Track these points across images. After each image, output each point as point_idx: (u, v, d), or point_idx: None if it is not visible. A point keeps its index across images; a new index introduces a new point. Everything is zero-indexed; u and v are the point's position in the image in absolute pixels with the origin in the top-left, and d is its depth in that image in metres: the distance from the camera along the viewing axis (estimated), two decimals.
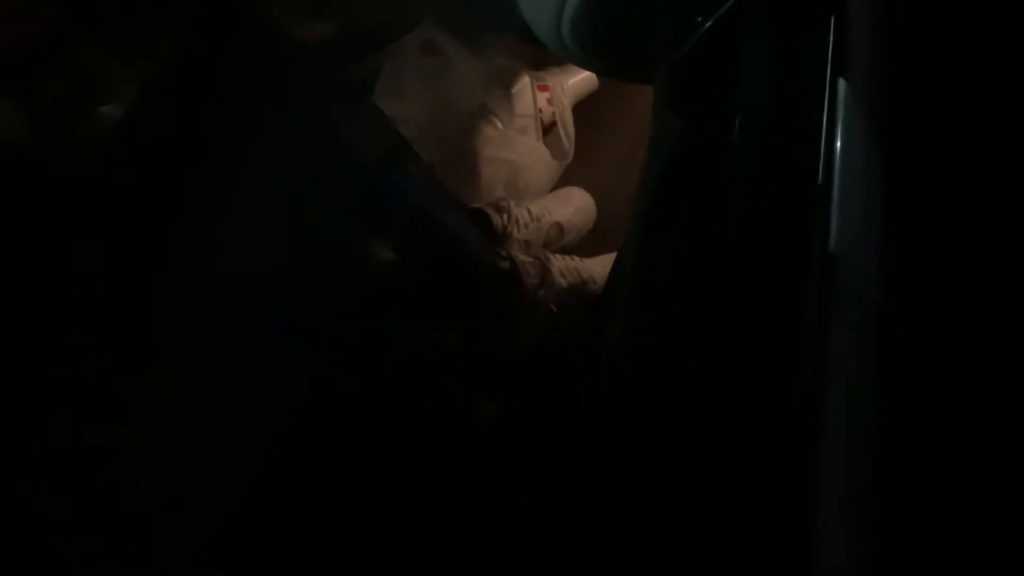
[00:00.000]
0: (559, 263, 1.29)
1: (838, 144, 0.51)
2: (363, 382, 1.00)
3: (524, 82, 1.43)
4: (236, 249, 0.89)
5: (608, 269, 1.37)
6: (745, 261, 0.51)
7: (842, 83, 0.54)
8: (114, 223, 0.88)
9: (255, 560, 0.90)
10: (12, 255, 0.84)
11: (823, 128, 0.52)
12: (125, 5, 0.94)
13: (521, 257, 1.25)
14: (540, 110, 1.44)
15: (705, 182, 0.61)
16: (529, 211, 1.37)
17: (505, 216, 1.34)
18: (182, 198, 0.90)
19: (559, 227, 1.38)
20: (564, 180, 1.46)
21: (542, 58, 1.49)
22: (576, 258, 1.35)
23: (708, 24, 0.67)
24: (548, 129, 1.46)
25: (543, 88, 1.45)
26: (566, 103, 1.46)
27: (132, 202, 0.89)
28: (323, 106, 0.99)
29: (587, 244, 1.45)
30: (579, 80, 1.49)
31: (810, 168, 0.49)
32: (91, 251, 0.87)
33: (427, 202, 1.10)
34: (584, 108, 1.50)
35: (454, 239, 1.11)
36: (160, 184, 0.90)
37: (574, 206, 1.41)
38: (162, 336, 0.84)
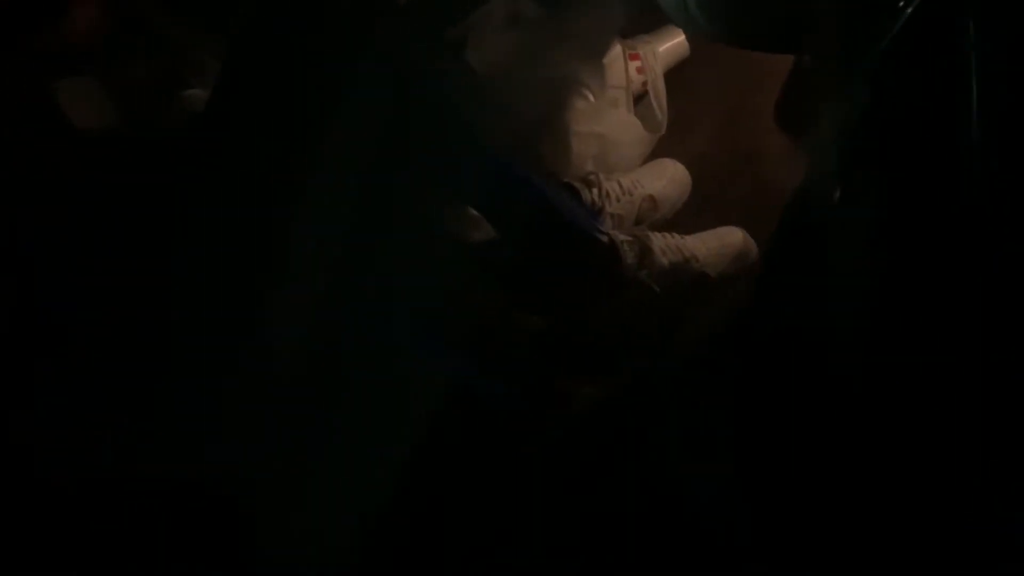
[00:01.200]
0: (659, 241, 1.24)
1: None
2: (495, 378, 0.99)
3: (615, 51, 1.37)
4: (338, 240, 0.87)
5: (709, 245, 1.31)
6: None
7: None
8: (212, 221, 0.87)
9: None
10: (105, 245, 0.83)
11: None
12: None
13: (620, 236, 1.21)
14: (631, 80, 1.38)
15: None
16: (620, 184, 1.32)
17: (595, 191, 1.29)
18: (275, 186, 0.88)
19: (652, 200, 1.33)
20: (657, 152, 1.40)
21: (631, 23, 1.43)
22: (675, 235, 1.30)
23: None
24: (639, 99, 1.40)
25: (634, 57, 1.39)
26: (658, 71, 1.40)
27: (227, 194, 0.87)
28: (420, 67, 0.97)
29: (681, 219, 1.40)
30: (671, 46, 1.43)
31: None
32: (194, 246, 0.86)
33: (535, 183, 1.07)
34: (676, 75, 1.43)
35: (556, 216, 1.08)
36: (255, 170, 0.88)
37: (667, 177, 1.35)
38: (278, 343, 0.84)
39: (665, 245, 1.26)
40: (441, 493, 0.98)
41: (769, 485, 0.72)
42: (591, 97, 1.36)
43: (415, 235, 0.95)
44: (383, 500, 0.92)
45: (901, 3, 0.67)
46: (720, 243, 1.32)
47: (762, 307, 0.92)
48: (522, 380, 1.07)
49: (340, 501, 0.91)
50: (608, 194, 1.28)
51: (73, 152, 0.89)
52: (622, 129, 1.36)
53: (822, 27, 0.85)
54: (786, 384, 0.77)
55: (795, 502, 0.69)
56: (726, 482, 0.80)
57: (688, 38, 1.43)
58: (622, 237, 1.24)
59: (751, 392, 0.83)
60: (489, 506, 0.99)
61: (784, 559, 0.67)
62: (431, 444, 0.94)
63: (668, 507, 0.95)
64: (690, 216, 1.38)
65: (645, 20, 1.42)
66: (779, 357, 0.78)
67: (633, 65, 1.39)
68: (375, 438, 0.93)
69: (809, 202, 0.87)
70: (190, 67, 0.92)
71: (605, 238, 1.22)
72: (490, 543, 0.96)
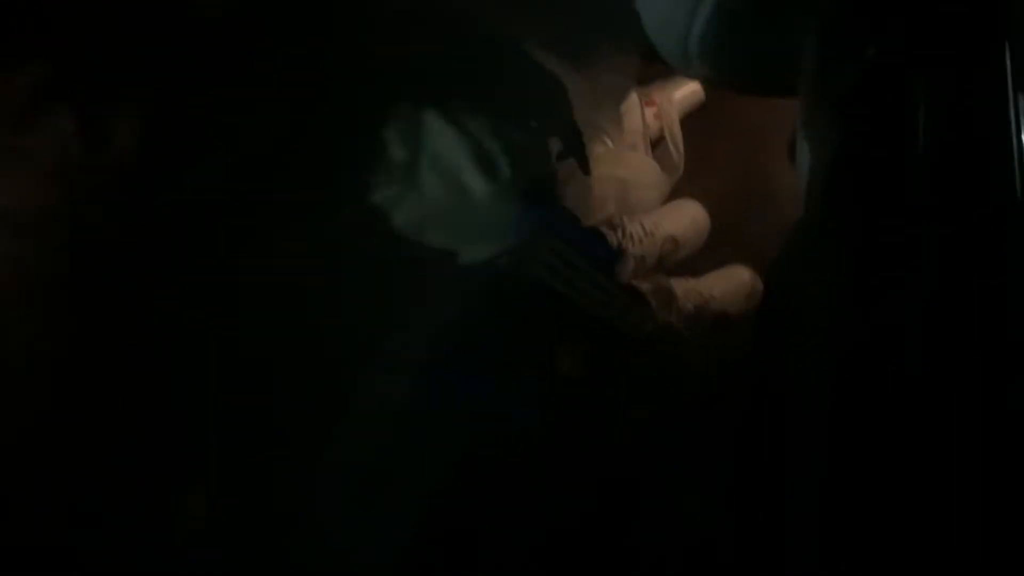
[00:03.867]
0: (680, 287, 1.28)
1: None
2: (527, 411, 1.02)
3: (632, 99, 1.43)
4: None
5: (723, 286, 1.36)
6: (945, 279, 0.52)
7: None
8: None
9: None
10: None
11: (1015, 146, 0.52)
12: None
13: (644, 285, 1.25)
14: (648, 125, 1.44)
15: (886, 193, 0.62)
16: (642, 225, 1.37)
17: (620, 232, 1.35)
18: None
19: (674, 240, 1.38)
20: (675, 194, 1.46)
21: (646, 72, 1.49)
22: (691, 278, 1.35)
23: (876, 54, 0.68)
24: (656, 143, 1.46)
25: (650, 103, 1.45)
26: (674, 116, 1.46)
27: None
28: None
29: (695, 260, 1.45)
30: (686, 93, 1.49)
31: (1007, 183, 0.50)
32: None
33: (567, 230, 1.11)
34: (692, 120, 1.50)
35: (585, 262, 1.12)
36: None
37: (688, 218, 1.40)
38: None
39: (686, 289, 1.31)
40: (470, 524, 1.01)
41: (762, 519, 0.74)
42: (610, 143, 1.42)
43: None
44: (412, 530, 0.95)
45: (866, 50, 0.72)
46: (731, 282, 1.37)
47: (758, 347, 0.96)
48: (556, 415, 1.10)
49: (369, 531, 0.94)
50: (632, 236, 1.33)
51: None
52: (641, 172, 1.42)
53: (801, 70, 0.89)
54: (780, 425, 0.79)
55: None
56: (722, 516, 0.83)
57: (701, 86, 1.50)
58: (645, 286, 1.28)
59: (749, 430, 0.85)
60: (511, 535, 1.02)
61: None
62: (461, 474, 0.98)
63: (675, 542, 0.99)
64: (706, 255, 1.44)
65: (661, 68, 1.48)
66: (773, 396, 0.81)
67: (650, 111, 1.45)
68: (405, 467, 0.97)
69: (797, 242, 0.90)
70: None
71: (629, 288, 1.26)
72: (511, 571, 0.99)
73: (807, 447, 0.62)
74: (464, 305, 0.99)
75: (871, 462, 0.54)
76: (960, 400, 0.51)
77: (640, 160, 1.43)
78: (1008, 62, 0.55)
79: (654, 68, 1.45)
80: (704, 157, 1.48)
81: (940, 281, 0.51)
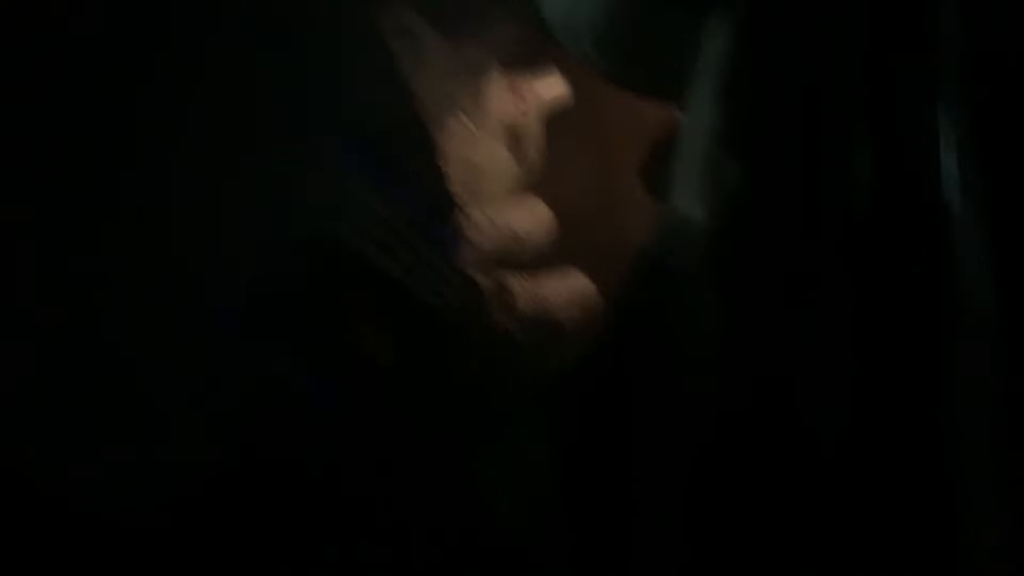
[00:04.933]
0: (519, 286, 1.24)
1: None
2: (321, 385, 0.92)
3: (499, 85, 1.37)
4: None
5: (561, 292, 1.32)
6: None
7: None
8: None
9: None
10: None
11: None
12: None
13: (483, 279, 1.20)
14: (510, 116, 1.38)
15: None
16: (488, 216, 1.30)
17: (463, 218, 1.28)
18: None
19: (518, 238, 1.32)
20: (524, 192, 1.40)
21: (516, 55, 1.43)
22: (530, 279, 1.30)
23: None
24: (515, 134, 1.40)
25: (515, 90, 1.39)
26: (538, 113, 1.41)
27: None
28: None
29: (534, 262, 1.40)
30: (551, 86, 1.44)
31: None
32: None
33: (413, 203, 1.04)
34: (554, 121, 1.44)
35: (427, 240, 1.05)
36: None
37: (535, 219, 1.35)
38: None
39: (524, 290, 1.27)
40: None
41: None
42: (469, 124, 1.35)
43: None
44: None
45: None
46: (571, 291, 1.34)
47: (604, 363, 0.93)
48: (348, 393, 1.01)
49: None
50: (476, 224, 1.27)
51: None
52: (496, 161, 1.35)
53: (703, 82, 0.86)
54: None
55: None
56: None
57: (568, 85, 1.45)
58: (484, 281, 1.23)
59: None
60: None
61: None
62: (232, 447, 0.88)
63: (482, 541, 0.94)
64: (547, 259, 1.39)
65: (530, 60, 1.43)
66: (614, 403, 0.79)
67: (514, 99, 1.39)
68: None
69: (659, 266, 0.89)
70: None
71: (466, 279, 1.21)
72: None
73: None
74: (275, 262, 0.89)
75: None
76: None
77: (495, 148, 1.36)
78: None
79: (524, 51, 1.40)
80: (559, 160, 1.42)
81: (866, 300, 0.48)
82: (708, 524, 0.64)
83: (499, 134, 1.36)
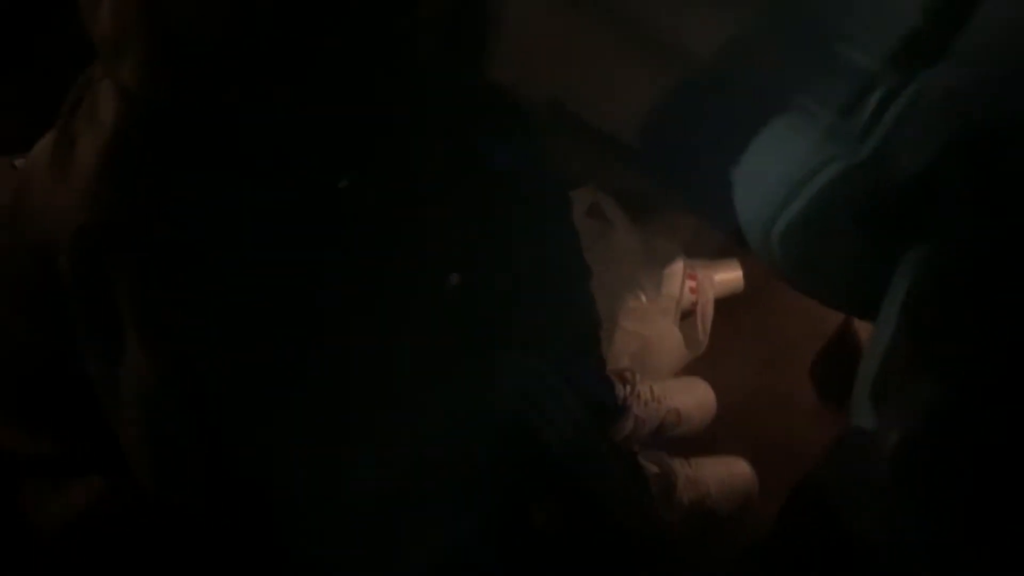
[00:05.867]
0: (682, 471, 1.24)
1: None
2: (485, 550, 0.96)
3: (676, 265, 1.44)
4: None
5: (720, 477, 1.30)
6: None
7: None
8: None
9: None
10: None
11: None
12: None
13: (650, 466, 1.21)
14: (683, 295, 1.44)
15: None
16: (652, 389, 1.35)
17: (628, 388, 1.32)
18: None
19: (677, 414, 1.36)
20: (689, 370, 1.45)
21: (694, 243, 1.50)
22: (690, 463, 1.30)
23: None
24: (686, 316, 1.45)
25: (691, 276, 1.46)
26: (710, 295, 1.47)
27: None
28: None
29: (691, 441, 1.41)
30: (727, 278, 1.50)
31: None
32: None
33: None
34: (726, 305, 1.50)
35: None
36: None
37: (697, 398, 1.38)
38: None
39: (687, 477, 1.26)
40: None
41: None
42: (643, 299, 1.42)
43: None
44: None
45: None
46: (730, 477, 1.33)
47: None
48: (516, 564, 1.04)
49: None
50: (639, 396, 1.31)
51: None
52: (665, 337, 1.41)
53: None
54: None
55: None
56: None
57: (744, 276, 1.50)
58: (652, 468, 1.24)
59: None
60: None
61: None
62: None
63: None
64: (704, 439, 1.41)
65: (711, 247, 1.50)
66: None
67: (689, 283, 1.45)
68: None
69: (837, 479, 0.87)
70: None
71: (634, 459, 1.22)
72: None
73: None
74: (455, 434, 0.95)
75: None
76: None
77: (667, 326, 1.42)
78: None
79: (702, 239, 1.47)
80: (727, 344, 1.47)
81: None
82: None
83: (671, 312, 1.42)
